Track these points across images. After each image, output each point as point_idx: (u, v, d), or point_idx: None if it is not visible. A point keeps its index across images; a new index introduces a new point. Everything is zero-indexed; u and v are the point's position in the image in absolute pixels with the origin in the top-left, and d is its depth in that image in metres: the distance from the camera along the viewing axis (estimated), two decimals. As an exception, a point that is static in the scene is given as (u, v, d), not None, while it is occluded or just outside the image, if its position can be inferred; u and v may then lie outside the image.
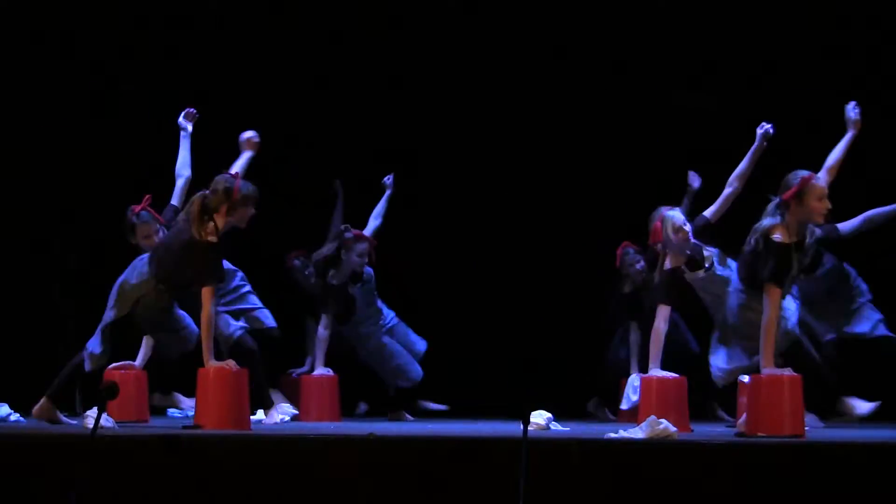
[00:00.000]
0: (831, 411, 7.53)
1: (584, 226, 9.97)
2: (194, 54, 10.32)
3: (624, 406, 9.03)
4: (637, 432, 5.98)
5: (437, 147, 10.29)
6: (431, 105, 10.29)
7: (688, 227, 7.26)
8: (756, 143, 7.15)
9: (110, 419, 6.81)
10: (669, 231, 7.26)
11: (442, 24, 10.38)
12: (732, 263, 7.21)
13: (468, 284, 9.99)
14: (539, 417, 7.22)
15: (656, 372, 7.23)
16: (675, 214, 7.30)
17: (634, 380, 8.98)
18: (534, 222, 10.23)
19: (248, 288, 8.26)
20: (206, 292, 6.76)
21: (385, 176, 9.06)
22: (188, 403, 7.61)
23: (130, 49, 10.27)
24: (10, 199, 9.90)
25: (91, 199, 10.02)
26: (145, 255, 7.07)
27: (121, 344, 8.00)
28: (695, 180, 8.45)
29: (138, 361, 7.76)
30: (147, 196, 7.71)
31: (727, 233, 7.22)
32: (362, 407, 9.56)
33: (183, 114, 7.74)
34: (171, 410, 9.34)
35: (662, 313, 7.33)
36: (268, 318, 8.22)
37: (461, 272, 10.06)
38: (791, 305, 7.06)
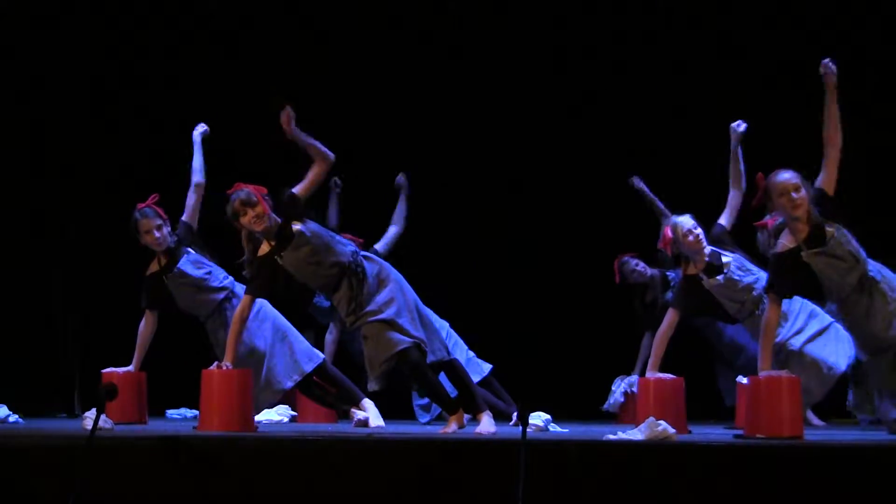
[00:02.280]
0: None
1: (587, 228, 9.99)
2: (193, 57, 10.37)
3: (607, 406, 9.05)
4: (636, 434, 5.98)
5: (444, 151, 10.32)
6: (438, 114, 10.32)
7: (698, 231, 7.28)
8: (732, 143, 7.24)
9: (109, 420, 6.81)
10: (680, 236, 7.29)
11: (442, 25, 10.40)
12: (755, 269, 7.22)
13: (469, 286, 9.99)
14: (538, 419, 7.23)
15: (654, 374, 7.25)
16: (684, 220, 7.33)
17: (622, 383, 9.01)
18: (535, 224, 10.24)
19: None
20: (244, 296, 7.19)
21: (398, 175, 8.87)
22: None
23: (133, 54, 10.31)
24: (10, 201, 9.90)
25: (91, 201, 10.04)
26: None
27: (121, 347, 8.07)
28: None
29: (133, 365, 7.77)
30: (154, 195, 7.71)
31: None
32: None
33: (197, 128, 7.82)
34: (169, 412, 9.35)
35: (670, 317, 7.36)
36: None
37: (462, 273, 10.07)
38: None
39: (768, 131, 7.91)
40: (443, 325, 8.62)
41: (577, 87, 10.26)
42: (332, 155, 6.81)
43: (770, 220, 6.68)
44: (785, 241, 6.52)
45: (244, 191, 6.94)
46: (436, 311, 8.67)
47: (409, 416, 8.75)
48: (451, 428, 6.80)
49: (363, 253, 7.05)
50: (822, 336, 7.25)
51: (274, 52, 10.41)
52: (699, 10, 9.99)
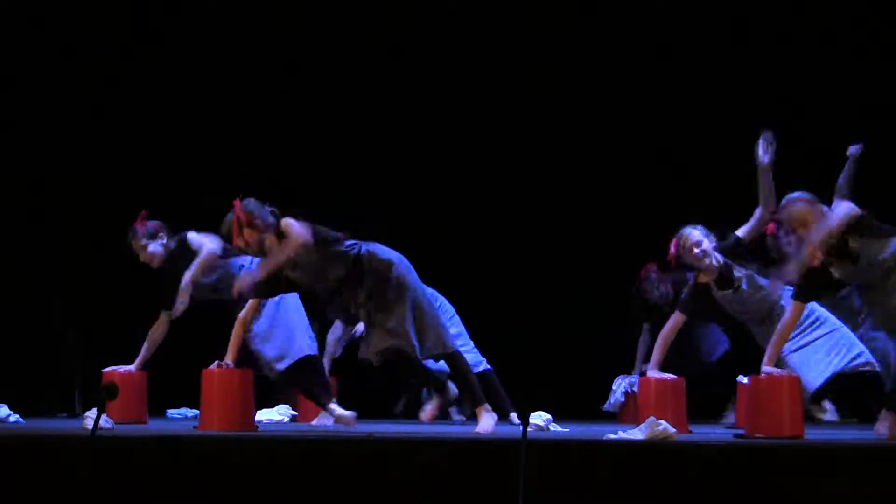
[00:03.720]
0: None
1: (588, 227, 10.00)
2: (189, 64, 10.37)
3: (607, 406, 9.05)
4: (636, 433, 5.99)
5: (446, 150, 10.32)
6: (440, 112, 10.32)
7: (704, 245, 7.21)
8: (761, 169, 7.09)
9: (109, 420, 6.81)
10: (683, 248, 7.24)
11: (444, 27, 10.40)
12: (767, 285, 7.19)
13: (469, 285, 9.99)
14: (538, 419, 7.23)
15: (654, 373, 7.26)
16: (692, 232, 7.27)
17: (622, 382, 9.01)
18: (535, 225, 10.24)
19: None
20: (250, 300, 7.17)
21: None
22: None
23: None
24: (9, 206, 9.91)
25: (91, 205, 10.04)
26: None
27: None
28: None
29: (136, 364, 7.77)
30: (142, 211, 7.68)
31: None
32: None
33: None
34: (170, 411, 9.35)
35: (674, 319, 7.34)
36: None
37: (462, 273, 10.07)
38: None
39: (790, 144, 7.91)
40: (447, 311, 8.54)
41: (578, 86, 10.27)
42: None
43: (772, 226, 6.69)
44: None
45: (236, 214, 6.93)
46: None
47: (415, 416, 8.79)
48: (483, 423, 6.84)
49: (367, 248, 7.00)
50: (810, 346, 7.13)
51: (270, 55, 10.42)
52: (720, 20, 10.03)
